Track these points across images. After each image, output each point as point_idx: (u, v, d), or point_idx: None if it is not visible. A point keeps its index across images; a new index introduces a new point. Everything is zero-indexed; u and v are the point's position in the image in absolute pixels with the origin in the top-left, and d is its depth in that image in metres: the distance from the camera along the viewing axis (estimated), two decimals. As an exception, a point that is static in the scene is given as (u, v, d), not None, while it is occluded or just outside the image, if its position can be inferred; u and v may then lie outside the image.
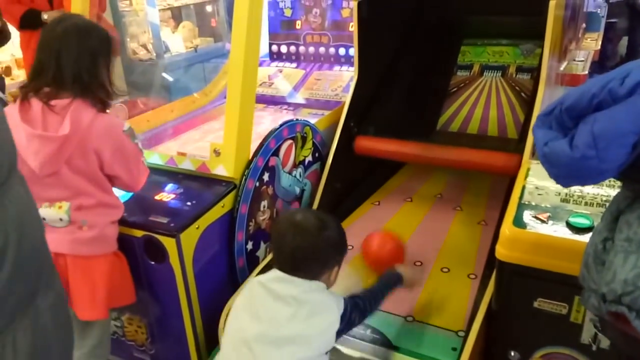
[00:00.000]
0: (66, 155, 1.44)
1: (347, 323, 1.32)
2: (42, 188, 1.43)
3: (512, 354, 1.55)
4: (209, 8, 5.15)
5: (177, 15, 5.02)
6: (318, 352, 1.27)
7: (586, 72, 2.80)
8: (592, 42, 3.28)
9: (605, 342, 1.41)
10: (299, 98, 2.86)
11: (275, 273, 1.32)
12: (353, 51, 2.84)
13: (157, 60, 4.35)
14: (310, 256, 1.30)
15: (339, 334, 1.31)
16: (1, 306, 0.76)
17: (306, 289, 1.28)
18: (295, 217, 1.36)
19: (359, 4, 2.16)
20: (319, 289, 1.30)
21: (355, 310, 1.35)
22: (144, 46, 4.75)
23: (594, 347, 1.43)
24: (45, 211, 1.47)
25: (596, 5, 3.97)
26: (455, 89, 2.78)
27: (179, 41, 4.89)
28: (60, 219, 1.48)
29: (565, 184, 1.05)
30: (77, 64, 1.45)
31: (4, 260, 0.73)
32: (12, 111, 1.43)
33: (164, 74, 3.86)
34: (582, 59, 2.96)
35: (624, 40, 5.70)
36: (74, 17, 1.60)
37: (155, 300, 1.74)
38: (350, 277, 1.68)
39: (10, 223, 0.76)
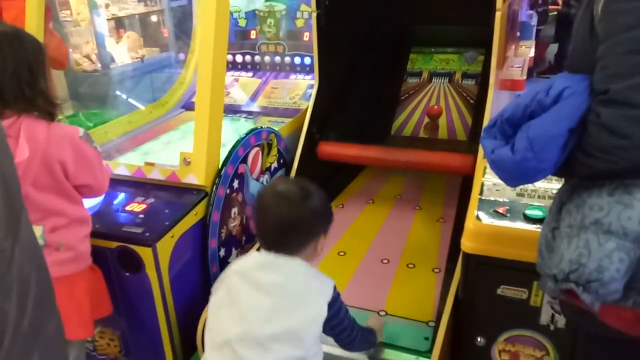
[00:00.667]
0: (32, 177, 1.35)
1: (336, 313, 1.28)
2: None
3: (479, 339, 1.66)
4: (153, 18, 5.09)
5: (120, 25, 4.93)
6: (309, 349, 1.24)
7: (524, 78, 3.01)
8: (527, 50, 3.52)
9: (561, 322, 1.55)
10: (256, 106, 2.90)
11: (254, 259, 1.29)
12: (308, 60, 2.95)
13: (103, 71, 4.25)
14: (296, 227, 1.26)
15: (328, 325, 1.27)
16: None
17: (290, 274, 1.25)
18: (277, 187, 1.32)
19: (317, 15, 2.25)
20: (305, 273, 1.27)
21: (347, 312, 1.33)
22: (88, 57, 4.63)
23: (552, 327, 1.56)
24: None
25: (527, 15, 4.26)
26: (406, 96, 2.91)
27: (123, 51, 4.80)
28: None
29: (513, 185, 1.19)
30: (15, 77, 1.33)
31: (28, 298, 0.73)
32: None
33: (115, 85, 3.78)
34: (519, 65, 3.17)
35: (552, 47, 6.13)
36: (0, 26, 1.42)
37: (130, 311, 1.73)
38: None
39: (28, 258, 0.74)
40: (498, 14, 1.96)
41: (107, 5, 4.63)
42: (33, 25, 2.20)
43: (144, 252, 1.62)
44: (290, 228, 1.26)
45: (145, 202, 1.79)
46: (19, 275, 0.69)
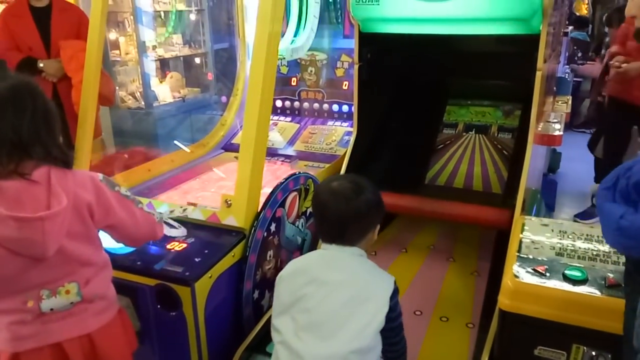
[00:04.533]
0: (67, 226, 1.29)
1: (394, 306, 1.35)
2: (39, 273, 1.27)
3: (514, 400, 1.62)
4: (197, 60, 5.30)
5: (165, 65, 5.15)
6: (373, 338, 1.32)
7: (561, 133, 3.02)
8: (563, 105, 3.53)
9: (599, 389, 1.51)
10: (293, 150, 2.98)
11: (316, 259, 1.44)
12: (346, 108, 3.03)
13: (148, 109, 4.42)
14: (354, 220, 1.37)
15: (389, 319, 1.33)
16: None
17: (353, 270, 1.37)
18: (331, 185, 1.44)
19: (359, 67, 2.33)
20: (367, 267, 1.41)
21: (401, 312, 1.40)
22: (132, 94, 4.84)
23: (590, 393, 1.52)
24: (50, 302, 1.30)
25: (563, 71, 4.29)
26: (441, 146, 2.94)
27: (166, 91, 5.00)
28: (72, 303, 1.33)
29: (638, 254, 1.09)
30: (34, 128, 1.27)
31: None
32: None
33: (157, 123, 3.93)
34: (557, 120, 3.18)
35: (586, 102, 6.11)
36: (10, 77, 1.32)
37: (163, 348, 1.75)
38: None
39: None
40: (539, 74, 1.99)
41: (154, 47, 4.86)
42: (92, 64, 2.32)
43: (183, 291, 1.65)
44: (348, 222, 1.38)
45: (185, 241, 1.84)
46: None
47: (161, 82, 5.07)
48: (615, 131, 3.74)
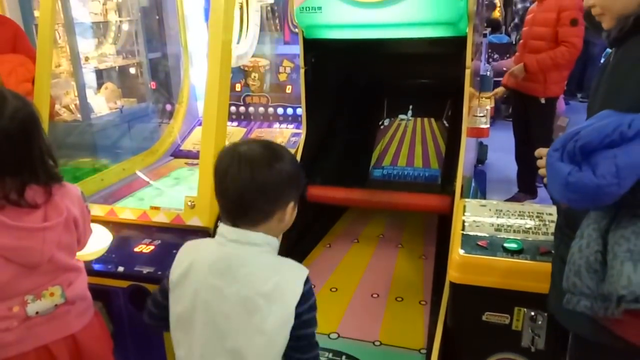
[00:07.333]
0: (59, 237, 1.37)
1: (309, 309, 1.13)
2: (27, 280, 1.33)
3: (466, 363, 1.81)
4: (132, 70, 5.24)
5: (99, 77, 5.06)
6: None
7: (488, 126, 3.31)
8: (487, 100, 3.86)
9: (541, 344, 1.72)
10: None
11: (211, 258, 1.15)
12: (290, 110, 3.16)
13: (84, 121, 4.33)
14: (260, 194, 1.10)
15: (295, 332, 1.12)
16: None
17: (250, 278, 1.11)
18: (238, 149, 1.13)
19: (305, 71, 2.47)
20: (274, 265, 1.15)
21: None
22: (67, 107, 4.72)
23: (533, 349, 1.72)
24: (35, 306, 1.34)
25: (485, 69, 4.66)
26: (383, 136, 3.13)
27: (102, 102, 4.92)
28: (56, 305, 1.39)
29: (579, 207, 1.25)
30: (39, 151, 1.32)
31: None
32: None
33: (96, 135, 3.87)
34: (482, 114, 3.48)
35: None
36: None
37: (139, 348, 1.80)
38: None
39: None
40: (467, 71, 2.21)
41: (87, 59, 4.77)
42: (44, 79, 2.31)
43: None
44: (253, 197, 1.10)
45: (152, 243, 1.90)
46: None
47: (96, 93, 4.98)
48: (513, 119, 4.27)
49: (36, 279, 1.34)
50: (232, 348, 1.12)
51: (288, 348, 1.13)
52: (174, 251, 1.83)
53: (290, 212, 1.19)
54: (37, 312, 1.35)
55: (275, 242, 1.19)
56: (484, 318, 1.73)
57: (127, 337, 1.78)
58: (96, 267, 1.75)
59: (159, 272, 1.73)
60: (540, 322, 1.69)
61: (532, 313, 1.68)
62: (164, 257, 1.82)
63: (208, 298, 1.13)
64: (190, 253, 1.24)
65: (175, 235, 1.96)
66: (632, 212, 1.14)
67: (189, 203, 1.97)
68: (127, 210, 2.06)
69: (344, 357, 1.81)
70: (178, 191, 2.53)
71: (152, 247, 1.87)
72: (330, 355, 1.82)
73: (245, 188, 1.10)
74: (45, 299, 1.36)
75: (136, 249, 1.87)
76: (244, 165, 1.10)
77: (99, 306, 1.73)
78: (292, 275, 1.15)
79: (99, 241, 1.86)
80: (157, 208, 2.05)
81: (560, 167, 1.14)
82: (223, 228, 1.17)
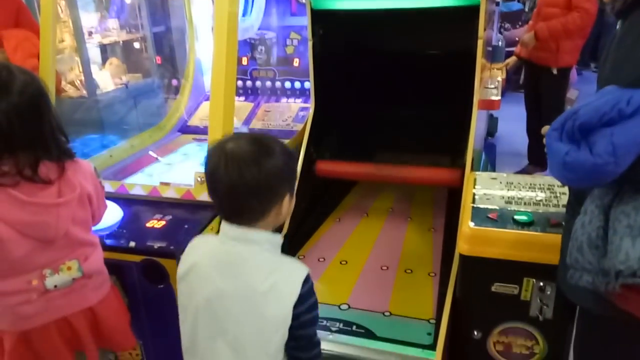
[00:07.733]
0: (73, 213, 1.40)
1: (308, 310, 1.13)
2: (44, 255, 1.36)
3: (475, 333, 1.83)
4: (136, 45, 5.20)
5: (103, 52, 5.02)
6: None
7: (499, 98, 3.26)
8: (498, 72, 3.80)
9: (548, 313, 1.74)
10: (250, 129, 3.06)
11: (211, 256, 1.17)
12: (298, 84, 3.13)
13: (90, 97, 4.32)
14: (252, 196, 1.07)
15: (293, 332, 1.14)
16: None
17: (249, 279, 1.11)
18: (226, 146, 1.08)
19: (313, 44, 2.43)
20: (273, 265, 1.15)
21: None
22: (72, 83, 4.70)
23: (541, 319, 1.75)
24: (53, 279, 1.38)
25: (496, 39, 4.58)
26: (390, 116, 3.11)
27: (107, 77, 4.89)
28: (74, 279, 1.43)
29: (578, 185, 1.26)
30: (50, 126, 1.33)
31: None
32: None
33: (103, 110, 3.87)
34: (493, 85, 3.43)
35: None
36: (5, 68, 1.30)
37: (153, 321, 1.83)
38: None
39: None
40: (480, 42, 2.18)
41: (90, 33, 4.73)
42: (49, 54, 2.30)
43: (169, 264, 1.73)
44: (244, 197, 1.08)
45: (164, 218, 1.91)
46: None
47: (100, 69, 4.95)
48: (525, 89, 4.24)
49: (53, 253, 1.37)
50: (232, 342, 1.15)
51: (289, 347, 1.15)
52: (185, 226, 1.89)
53: (286, 204, 1.17)
54: (55, 286, 1.38)
55: (276, 239, 1.18)
56: (493, 289, 1.76)
57: (141, 309, 1.81)
58: (109, 242, 1.77)
59: (171, 247, 1.75)
60: (549, 292, 1.70)
61: (541, 283, 1.70)
62: (175, 232, 1.84)
63: (209, 295, 1.16)
64: (194, 250, 1.27)
65: (185, 210, 1.97)
66: (635, 188, 1.12)
67: (199, 179, 1.98)
68: (138, 186, 2.07)
69: (354, 327, 1.84)
70: (187, 167, 2.54)
71: (163, 222, 1.89)
72: (341, 326, 1.85)
73: (235, 189, 1.08)
74: (63, 272, 1.40)
75: (148, 224, 1.88)
76: (232, 165, 1.07)
77: (113, 279, 1.77)
78: (291, 275, 1.15)
79: (111, 216, 1.88)
80: (167, 184, 2.06)
81: (558, 146, 1.14)
82: (224, 226, 1.18)
